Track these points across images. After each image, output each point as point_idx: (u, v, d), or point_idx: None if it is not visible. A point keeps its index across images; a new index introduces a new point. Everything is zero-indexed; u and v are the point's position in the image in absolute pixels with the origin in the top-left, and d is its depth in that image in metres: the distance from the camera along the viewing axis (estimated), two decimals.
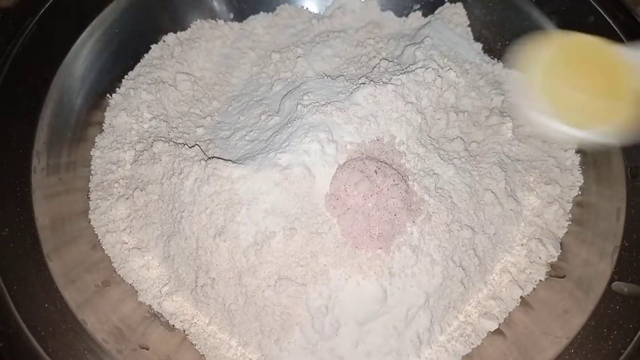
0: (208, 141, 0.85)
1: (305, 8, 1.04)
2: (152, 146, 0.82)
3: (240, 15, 1.02)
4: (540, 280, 0.78)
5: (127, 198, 0.82)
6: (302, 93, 0.81)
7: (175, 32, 0.98)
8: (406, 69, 0.85)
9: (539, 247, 0.79)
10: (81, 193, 0.83)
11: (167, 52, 0.96)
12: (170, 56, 0.95)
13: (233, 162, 0.75)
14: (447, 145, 0.83)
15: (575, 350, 0.68)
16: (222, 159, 0.76)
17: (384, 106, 0.79)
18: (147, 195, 0.80)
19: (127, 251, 0.79)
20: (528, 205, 0.83)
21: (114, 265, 0.79)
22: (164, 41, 0.97)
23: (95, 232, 0.80)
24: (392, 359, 0.71)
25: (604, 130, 0.51)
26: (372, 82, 0.81)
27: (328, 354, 0.70)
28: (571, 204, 0.82)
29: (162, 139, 0.83)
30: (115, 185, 0.84)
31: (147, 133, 0.87)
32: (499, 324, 0.76)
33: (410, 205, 0.72)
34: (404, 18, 1.02)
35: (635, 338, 0.65)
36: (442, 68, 0.85)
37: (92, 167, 0.85)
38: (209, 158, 0.77)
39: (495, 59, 0.97)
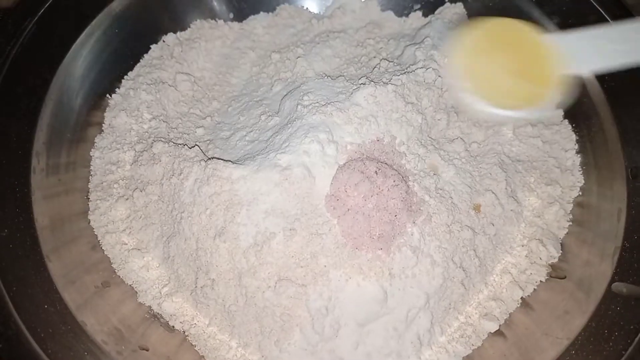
0: (208, 142, 0.85)
1: (305, 8, 1.04)
2: (151, 147, 0.82)
3: (240, 15, 1.02)
4: (540, 281, 0.78)
5: (127, 199, 0.82)
6: (302, 93, 0.81)
7: (175, 32, 0.98)
8: (406, 69, 0.85)
9: (540, 247, 0.79)
10: (81, 193, 0.83)
11: (166, 52, 0.96)
12: (170, 56, 0.95)
13: (233, 162, 0.75)
14: (447, 146, 0.83)
15: (576, 352, 0.68)
16: (222, 159, 0.76)
17: (384, 106, 0.79)
18: (147, 196, 0.80)
19: (126, 252, 0.79)
20: (529, 206, 0.83)
21: (114, 266, 0.79)
22: (163, 41, 0.97)
23: (95, 233, 0.80)
24: None
25: (527, 111, 0.53)
26: (372, 83, 0.80)
27: (328, 355, 0.70)
28: (572, 205, 0.82)
29: (162, 139, 0.83)
30: (115, 185, 0.84)
31: (146, 133, 0.87)
32: (500, 325, 0.76)
33: (411, 206, 0.72)
34: (404, 18, 1.02)
35: (636, 339, 0.65)
36: (442, 68, 0.85)
37: (91, 167, 0.85)
38: (209, 159, 0.77)
39: None
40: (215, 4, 1.00)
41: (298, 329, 0.69)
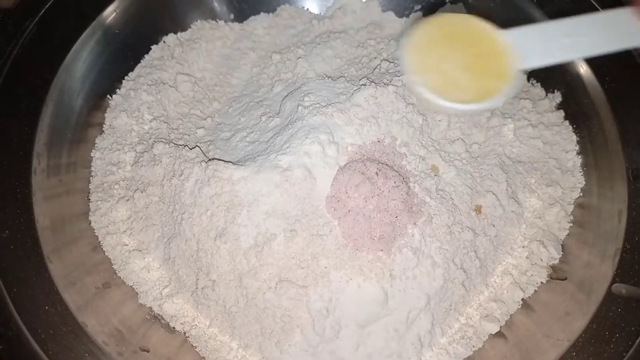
0: (208, 142, 0.85)
1: (305, 9, 1.04)
2: (152, 147, 0.82)
3: (241, 15, 1.02)
4: (541, 282, 0.78)
5: (128, 200, 0.82)
6: (302, 94, 0.81)
7: (175, 32, 0.98)
8: None
9: (540, 249, 0.79)
10: (81, 194, 0.83)
11: (167, 53, 0.96)
12: (171, 57, 0.95)
13: (233, 163, 0.75)
14: (448, 147, 0.83)
15: (577, 353, 0.68)
16: (222, 160, 0.76)
17: (385, 107, 0.79)
18: (148, 197, 0.80)
19: (127, 253, 0.79)
20: (529, 207, 0.83)
21: (115, 267, 0.79)
22: (164, 42, 0.97)
23: (96, 234, 0.80)
24: None
25: (479, 104, 0.54)
26: (373, 83, 0.80)
27: (329, 356, 0.70)
28: (572, 206, 0.82)
29: (163, 140, 0.83)
30: (116, 186, 0.83)
31: (147, 134, 0.87)
32: (500, 327, 0.75)
33: (411, 207, 0.72)
34: (404, 19, 1.02)
35: (637, 341, 0.65)
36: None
37: (92, 168, 0.85)
38: (210, 159, 0.77)
39: None
40: (215, 4, 1.00)
41: (299, 330, 0.69)
